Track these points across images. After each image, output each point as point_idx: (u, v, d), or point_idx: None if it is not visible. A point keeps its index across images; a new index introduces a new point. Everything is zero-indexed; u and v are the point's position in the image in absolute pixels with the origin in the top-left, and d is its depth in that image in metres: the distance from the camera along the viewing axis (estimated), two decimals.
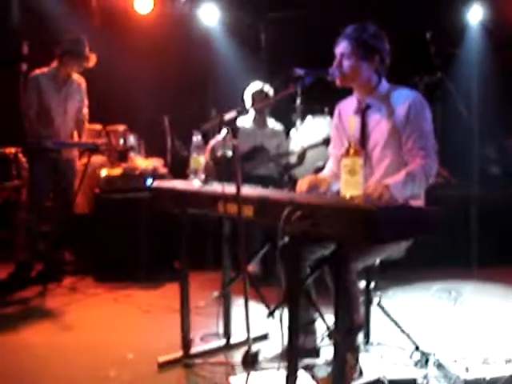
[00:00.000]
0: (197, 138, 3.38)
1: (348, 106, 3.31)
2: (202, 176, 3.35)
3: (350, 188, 2.54)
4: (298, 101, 6.01)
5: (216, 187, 3.12)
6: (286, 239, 2.81)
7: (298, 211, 2.52)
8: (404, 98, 3.09)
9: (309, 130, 5.70)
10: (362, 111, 3.18)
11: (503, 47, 6.57)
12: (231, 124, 2.83)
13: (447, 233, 5.00)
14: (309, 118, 5.80)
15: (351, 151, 2.56)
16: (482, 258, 5.16)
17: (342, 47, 3.12)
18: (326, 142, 4.71)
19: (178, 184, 3.46)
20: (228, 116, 2.84)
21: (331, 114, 5.66)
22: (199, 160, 3.38)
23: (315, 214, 2.49)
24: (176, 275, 4.81)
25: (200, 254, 5.02)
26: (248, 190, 2.93)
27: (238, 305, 3.60)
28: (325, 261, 2.95)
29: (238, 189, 2.74)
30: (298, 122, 5.87)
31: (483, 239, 5.31)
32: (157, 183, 3.66)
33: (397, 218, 2.42)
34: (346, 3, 6.27)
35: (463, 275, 4.94)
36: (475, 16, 6.78)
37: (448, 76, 6.30)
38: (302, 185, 3.16)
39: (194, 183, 3.32)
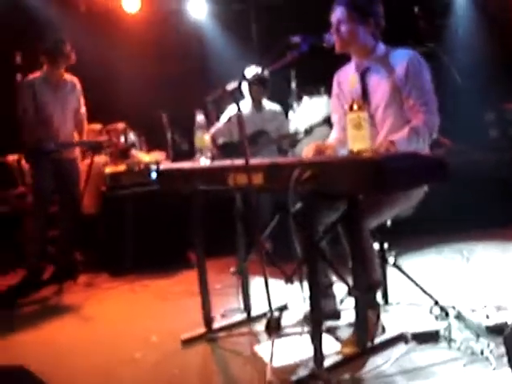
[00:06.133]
0: (200, 117, 3.41)
1: (347, 72, 3.35)
2: (209, 154, 3.38)
3: (356, 142, 2.58)
4: (294, 83, 6.06)
5: (224, 162, 3.16)
6: (299, 205, 2.86)
7: (307, 171, 2.55)
8: (402, 57, 3.14)
9: (307, 111, 5.72)
10: (362, 74, 3.23)
11: (493, 12, 6.61)
12: (234, 94, 2.85)
13: (455, 198, 5.12)
14: (305, 98, 5.82)
15: (355, 106, 2.60)
16: (490, 219, 5.19)
17: (338, 14, 3.15)
18: (327, 120, 4.75)
19: (185, 164, 3.50)
20: (230, 86, 2.86)
21: (328, 93, 5.74)
22: (204, 138, 3.40)
23: (325, 171, 2.52)
24: (191, 264, 4.87)
25: (213, 242, 5.02)
26: (256, 160, 2.96)
27: (254, 283, 3.64)
28: (338, 221, 2.98)
29: (247, 155, 2.74)
30: (295, 105, 5.90)
31: (490, 202, 5.35)
32: (164, 166, 3.69)
33: (405, 166, 2.45)
34: None
35: (474, 237, 4.98)
36: None
37: (440, 47, 6.34)
38: (308, 151, 3.20)
39: (201, 161, 3.35)
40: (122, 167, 5.41)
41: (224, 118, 5.33)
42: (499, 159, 5.79)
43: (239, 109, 2.87)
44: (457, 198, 5.08)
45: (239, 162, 2.86)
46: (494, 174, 5.59)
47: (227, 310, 3.70)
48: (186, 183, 3.34)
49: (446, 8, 7.04)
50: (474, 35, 6.77)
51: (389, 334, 3.07)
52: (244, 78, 2.90)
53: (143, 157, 5.58)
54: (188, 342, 3.31)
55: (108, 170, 5.41)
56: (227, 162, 3.03)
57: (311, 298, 2.73)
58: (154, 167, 5.36)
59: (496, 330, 2.91)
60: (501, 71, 6.44)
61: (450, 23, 6.92)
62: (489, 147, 5.94)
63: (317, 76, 5.54)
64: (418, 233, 4.79)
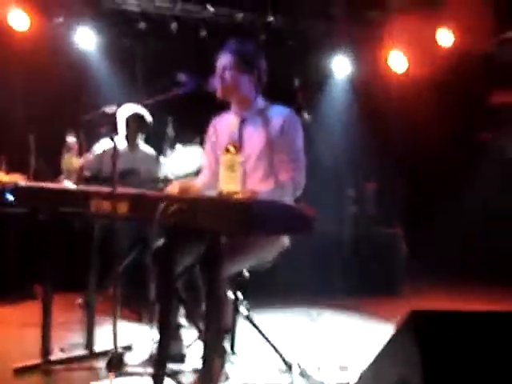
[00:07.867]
0: (70, 139, 3.31)
1: (225, 118, 3.40)
2: (74, 177, 3.26)
3: (228, 183, 2.60)
4: (170, 130, 6.05)
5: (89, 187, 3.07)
6: (160, 242, 2.82)
7: (174, 205, 2.51)
8: (279, 113, 3.23)
9: (180, 159, 5.71)
10: (239, 123, 3.28)
11: (365, 98, 7.07)
12: (112, 118, 2.79)
13: (307, 265, 5.33)
14: (179, 146, 5.82)
15: (231, 148, 2.63)
16: (337, 289, 5.44)
17: (224, 60, 3.21)
18: (199, 171, 4.77)
19: (48, 184, 3.35)
20: (109, 109, 2.80)
21: (203, 144, 5.79)
22: (72, 161, 3.29)
23: (192, 207, 2.49)
24: (36, 296, 4.60)
25: (66, 277, 4.77)
26: (123, 189, 2.89)
27: (102, 321, 3.49)
28: (197, 262, 2.95)
29: (114, 182, 2.68)
30: (169, 151, 5.87)
31: (343, 273, 5.62)
32: (23, 183, 3.51)
33: (272, 212, 2.48)
34: (222, 39, 6.47)
35: (323, 302, 5.15)
36: (340, 66, 7.27)
37: (314, 121, 6.64)
38: (173, 188, 3.17)
39: (66, 184, 3.22)
40: None
41: (96, 150, 5.20)
42: (355, 234, 6.10)
43: (115, 130, 2.82)
44: (311, 266, 5.31)
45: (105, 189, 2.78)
46: (350, 247, 5.90)
47: (68, 343, 3.51)
48: (45, 203, 3.18)
49: (322, 85, 7.44)
50: (345, 114, 7.19)
51: (232, 382, 3.04)
52: (120, 107, 2.84)
53: (1, 177, 5.28)
54: (20, 372, 3.08)
55: None
56: (93, 188, 2.94)
57: (160, 338, 2.65)
58: (10, 189, 5.06)
59: None
60: (365, 151, 6.87)
61: (326, 99, 7.30)
62: (347, 222, 6.24)
63: (193, 126, 5.59)
64: (270, 293, 4.90)
